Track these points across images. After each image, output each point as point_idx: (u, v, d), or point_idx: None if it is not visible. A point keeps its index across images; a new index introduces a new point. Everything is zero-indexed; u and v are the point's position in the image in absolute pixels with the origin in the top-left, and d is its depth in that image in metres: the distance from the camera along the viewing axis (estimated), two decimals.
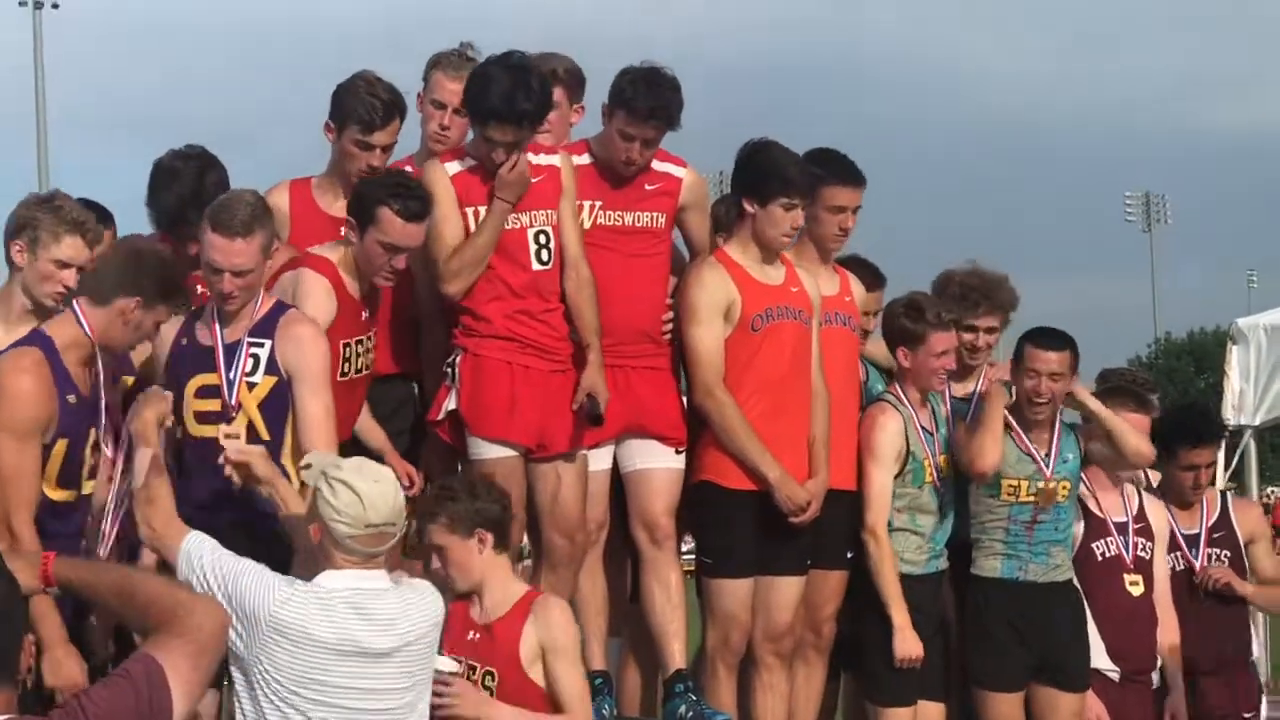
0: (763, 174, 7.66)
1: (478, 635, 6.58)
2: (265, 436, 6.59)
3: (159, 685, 4.01)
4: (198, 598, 4.37)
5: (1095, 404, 8.18)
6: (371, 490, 5.86)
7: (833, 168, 7.94)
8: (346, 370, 7.09)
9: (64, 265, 6.71)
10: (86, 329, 6.46)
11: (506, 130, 7.21)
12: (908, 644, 7.94)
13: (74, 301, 6.53)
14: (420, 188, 7.15)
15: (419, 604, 6.00)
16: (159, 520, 6.13)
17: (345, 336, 7.05)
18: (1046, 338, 8.18)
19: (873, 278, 8.56)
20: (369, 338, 7.22)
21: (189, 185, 7.27)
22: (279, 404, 6.66)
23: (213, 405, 6.63)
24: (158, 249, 6.87)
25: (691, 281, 7.72)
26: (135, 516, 6.23)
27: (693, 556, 8.17)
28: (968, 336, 8.39)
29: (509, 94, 7.19)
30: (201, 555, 5.96)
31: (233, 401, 6.62)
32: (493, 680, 6.54)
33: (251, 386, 6.64)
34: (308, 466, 5.99)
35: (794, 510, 7.61)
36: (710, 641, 7.77)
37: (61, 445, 6.35)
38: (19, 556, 4.42)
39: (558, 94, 7.79)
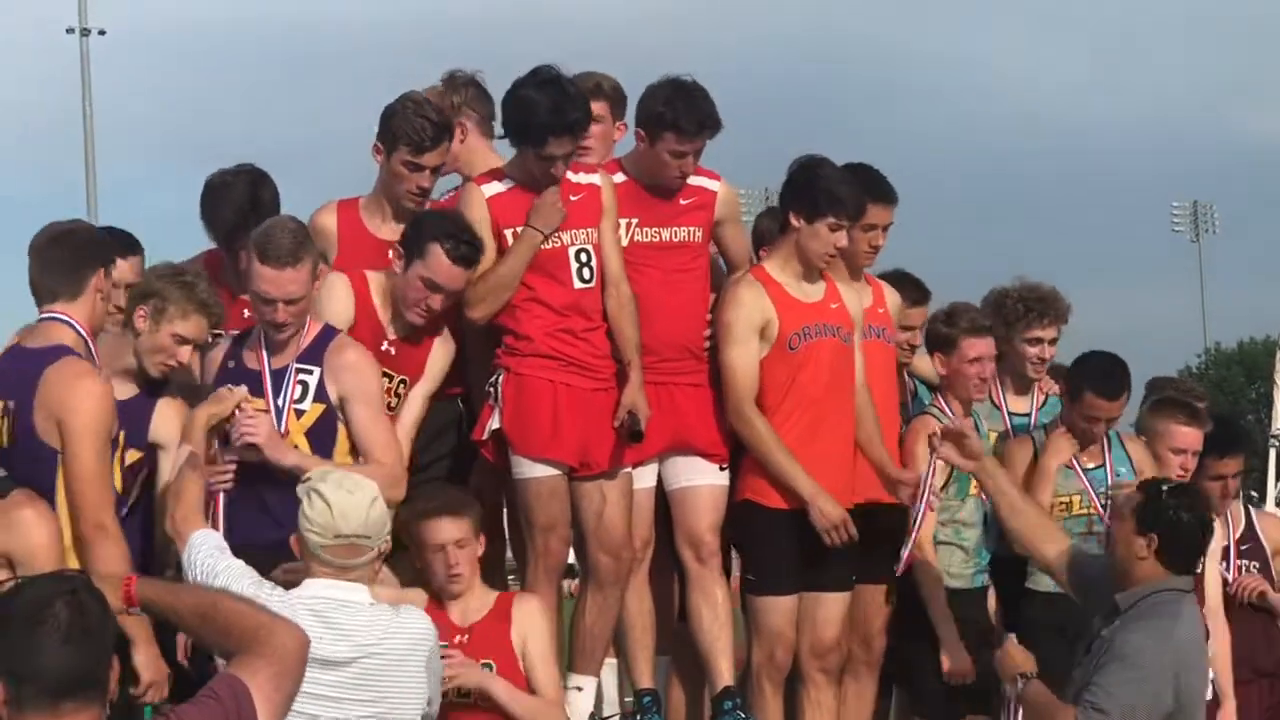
0: (813, 190, 7.64)
1: (466, 637, 6.77)
2: None
3: (247, 706, 4.08)
4: (278, 619, 4.39)
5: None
6: (344, 501, 5.82)
7: (866, 184, 7.92)
8: None
9: (183, 341, 6.75)
10: (79, 329, 6.45)
11: (565, 142, 7.24)
12: (958, 660, 7.89)
13: (53, 313, 6.49)
14: (476, 236, 7.19)
15: (394, 622, 5.92)
16: (180, 513, 6.23)
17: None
18: (1109, 386, 8.12)
19: (918, 292, 8.55)
20: (390, 376, 7.14)
21: (244, 196, 7.39)
22: (326, 431, 6.71)
23: None
24: (72, 226, 6.79)
25: (728, 300, 7.70)
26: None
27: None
28: (1033, 350, 8.43)
29: (557, 108, 7.22)
30: (198, 550, 6.04)
31: (282, 429, 6.65)
32: (491, 670, 6.74)
33: (300, 414, 6.68)
34: (307, 479, 5.98)
35: (828, 526, 7.55)
36: (756, 658, 7.75)
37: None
38: (103, 579, 4.46)
39: (601, 109, 7.84)
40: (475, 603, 6.86)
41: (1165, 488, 6.83)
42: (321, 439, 6.69)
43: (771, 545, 7.67)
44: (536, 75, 7.34)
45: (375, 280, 7.20)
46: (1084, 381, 8.10)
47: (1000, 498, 7.22)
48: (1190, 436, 8.36)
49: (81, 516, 6.22)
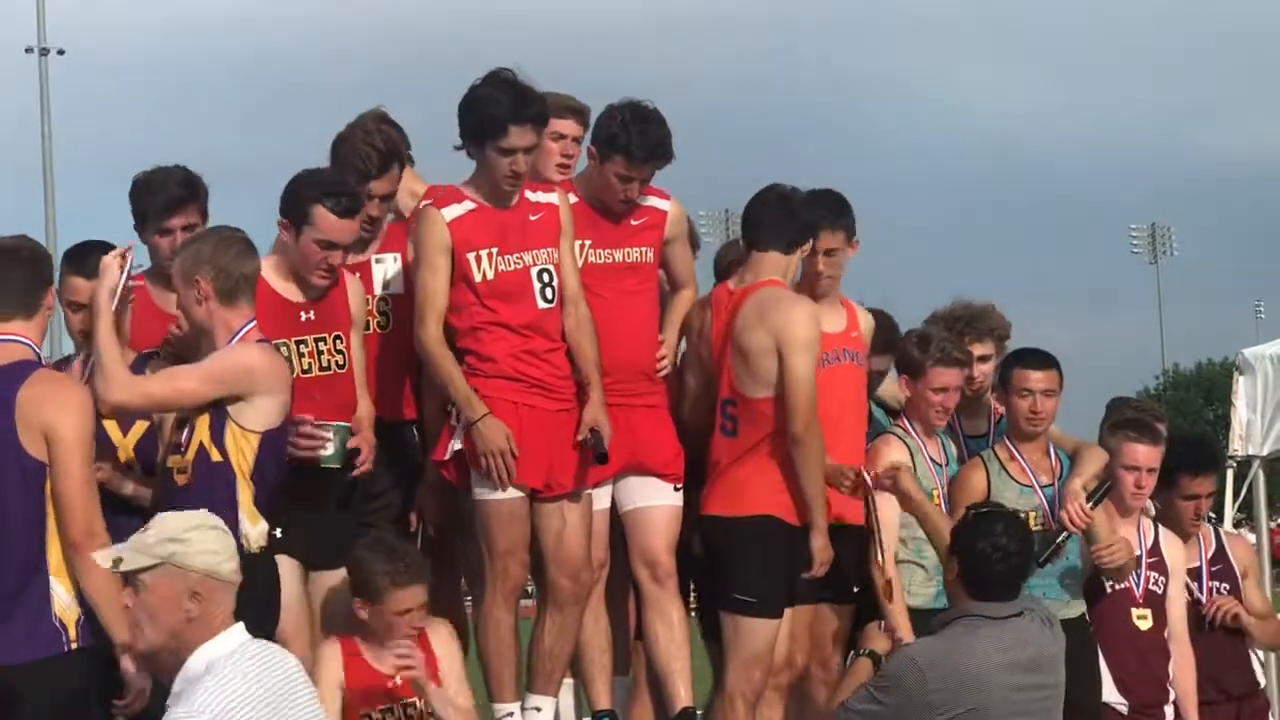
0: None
1: (398, 679, 6.98)
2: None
3: None
4: None
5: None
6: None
7: (825, 212, 7.93)
8: (293, 369, 7.12)
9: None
10: (35, 349, 6.45)
11: (526, 133, 7.29)
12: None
13: (8, 335, 6.45)
14: (350, 185, 7.33)
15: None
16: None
17: (281, 337, 7.10)
18: (1033, 357, 8.21)
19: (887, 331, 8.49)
20: (323, 339, 7.25)
21: (183, 175, 7.43)
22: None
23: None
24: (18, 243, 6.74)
25: (798, 316, 7.60)
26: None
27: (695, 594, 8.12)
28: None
29: (518, 99, 7.28)
30: None
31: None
32: (417, 707, 7.03)
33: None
34: (118, 562, 5.23)
35: (825, 563, 7.59)
36: (732, 680, 7.62)
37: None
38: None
39: (575, 128, 7.88)
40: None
41: (976, 512, 6.92)
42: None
43: (780, 566, 7.62)
44: (493, 75, 7.37)
45: (268, 265, 7.18)
46: (1013, 359, 8.20)
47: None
48: (1144, 454, 8.35)
49: (74, 523, 6.19)
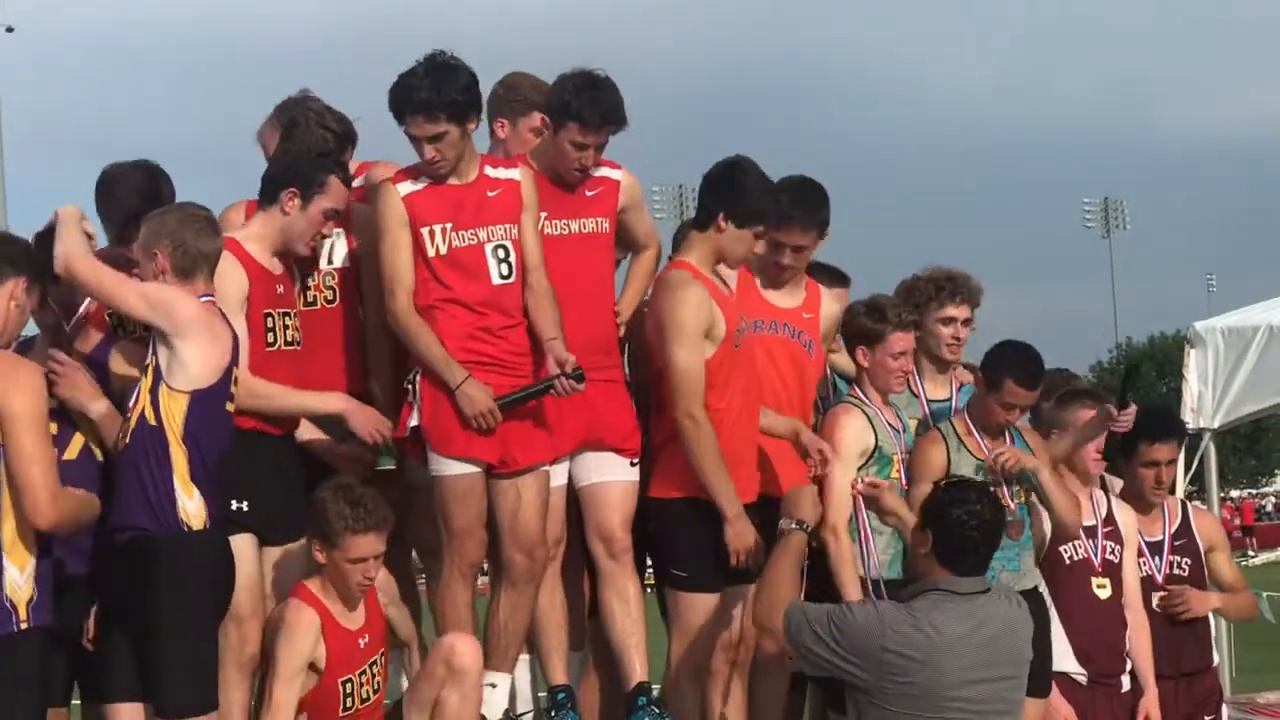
0: (747, 196, 7.59)
1: (366, 638, 7.11)
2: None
3: None
4: None
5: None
6: None
7: (794, 206, 7.91)
8: (274, 341, 7.17)
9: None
10: None
11: (418, 123, 7.24)
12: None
13: None
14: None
15: None
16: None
17: (267, 307, 7.16)
18: (1029, 374, 8.13)
19: (833, 279, 8.56)
20: (294, 314, 7.33)
21: (144, 184, 7.40)
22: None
23: None
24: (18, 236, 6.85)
25: (677, 299, 7.52)
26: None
27: (652, 570, 8.13)
28: (947, 331, 8.42)
29: (409, 85, 7.26)
30: None
31: None
32: (380, 664, 7.20)
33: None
34: None
35: (740, 549, 7.47)
36: (675, 655, 7.73)
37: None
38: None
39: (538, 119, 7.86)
40: (355, 608, 7.12)
41: (946, 483, 6.94)
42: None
43: (706, 541, 7.59)
44: (426, 57, 7.34)
45: (243, 234, 7.26)
46: (1005, 370, 8.12)
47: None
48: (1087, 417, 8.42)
49: (35, 505, 6.18)
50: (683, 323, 7.47)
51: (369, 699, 7.12)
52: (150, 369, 6.63)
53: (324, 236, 7.43)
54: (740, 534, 7.49)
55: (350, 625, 7.07)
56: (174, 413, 6.57)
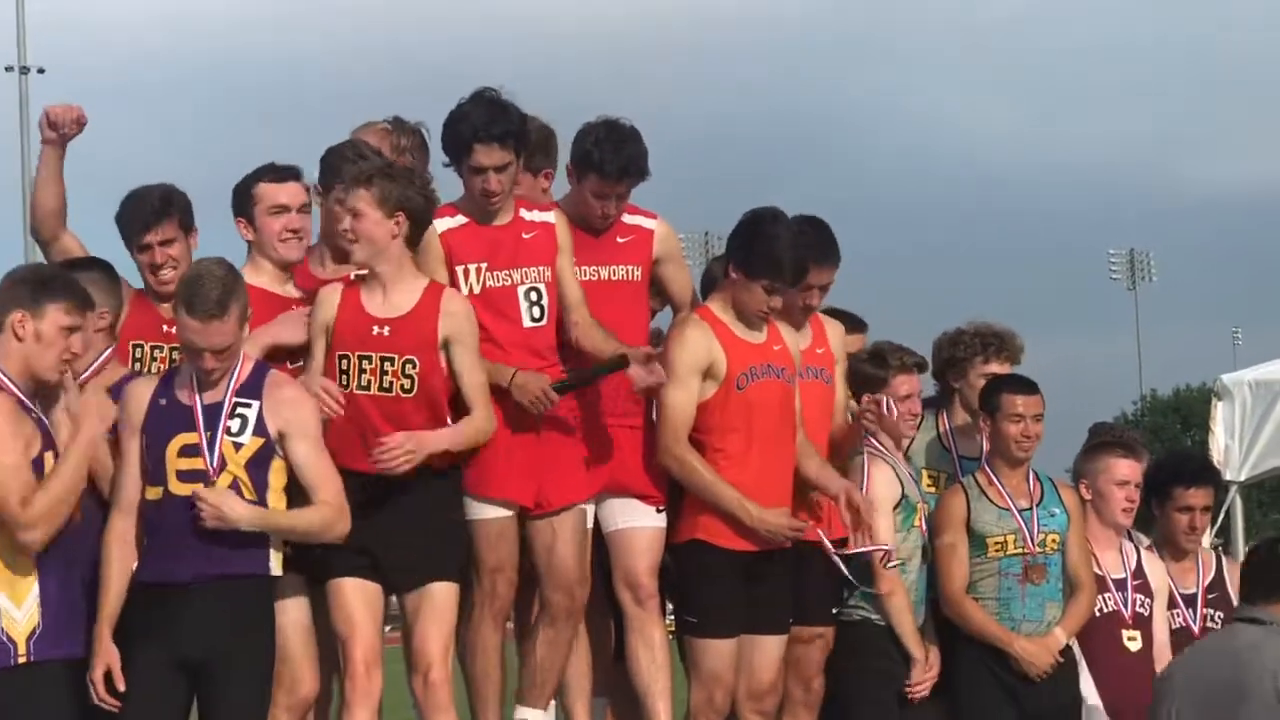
0: (755, 250, 7.62)
1: (386, 329, 7.02)
2: (250, 496, 6.62)
3: None
4: None
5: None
6: None
7: (811, 245, 7.88)
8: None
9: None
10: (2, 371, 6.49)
11: (492, 151, 7.27)
12: (929, 670, 8.01)
13: None
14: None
15: None
16: None
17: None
18: (1020, 383, 8.24)
19: (851, 323, 8.56)
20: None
21: (166, 189, 7.50)
22: (263, 465, 6.68)
23: (195, 464, 6.64)
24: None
25: (673, 339, 7.69)
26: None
27: (673, 616, 8.13)
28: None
29: (486, 117, 7.29)
30: None
31: (214, 462, 6.64)
32: (414, 368, 7.02)
33: (238, 447, 6.65)
34: None
35: (781, 533, 7.56)
36: (694, 701, 7.73)
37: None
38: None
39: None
40: (405, 289, 7.11)
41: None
42: (258, 472, 6.67)
43: (715, 587, 7.63)
44: (475, 93, 7.38)
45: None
46: (1000, 386, 8.20)
47: None
48: (1130, 468, 8.43)
49: (13, 516, 6.22)
50: (674, 361, 7.56)
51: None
52: None
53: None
54: (762, 519, 7.53)
55: (372, 309, 7.07)
56: None
